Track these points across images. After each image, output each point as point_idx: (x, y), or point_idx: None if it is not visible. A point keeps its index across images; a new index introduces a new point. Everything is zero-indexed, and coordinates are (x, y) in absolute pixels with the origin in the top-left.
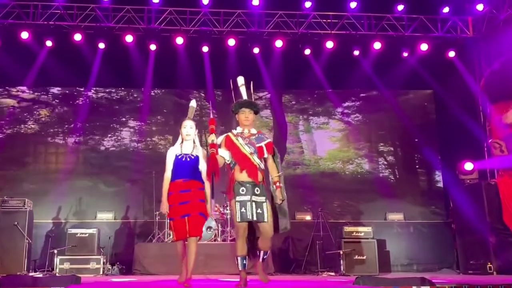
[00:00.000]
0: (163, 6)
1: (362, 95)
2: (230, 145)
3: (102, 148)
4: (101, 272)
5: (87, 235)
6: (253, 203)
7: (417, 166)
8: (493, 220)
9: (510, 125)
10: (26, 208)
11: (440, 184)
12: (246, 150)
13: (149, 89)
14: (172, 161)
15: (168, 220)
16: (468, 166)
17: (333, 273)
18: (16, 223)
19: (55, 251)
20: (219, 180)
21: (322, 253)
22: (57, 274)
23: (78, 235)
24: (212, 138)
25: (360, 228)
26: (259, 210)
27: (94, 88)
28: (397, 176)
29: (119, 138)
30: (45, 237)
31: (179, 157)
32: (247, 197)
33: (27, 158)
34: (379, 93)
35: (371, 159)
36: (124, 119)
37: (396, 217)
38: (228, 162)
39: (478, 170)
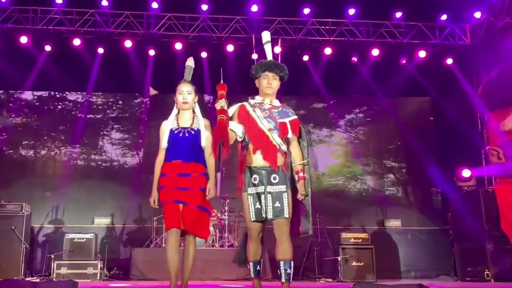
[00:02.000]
0: (162, 12)
1: (358, 101)
2: (245, 118)
3: (100, 152)
4: (98, 277)
5: (84, 240)
6: (269, 196)
7: (414, 173)
8: (490, 227)
9: (507, 132)
10: (23, 213)
11: (438, 191)
12: (265, 124)
13: (148, 94)
14: (166, 138)
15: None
16: (466, 173)
17: (331, 280)
18: (13, 227)
19: (52, 256)
20: (227, 155)
21: (320, 259)
22: (54, 279)
23: (75, 240)
24: (221, 104)
25: (358, 235)
26: (277, 204)
27: (93, 93)
28: (395, 183)
29: (117, 142)
30: (43, 242)
31: (176, 132)
32: (261, 189)
33: (24, 162)
34: (376, 100)
35: (367, 165)
36: (122, 123)
37: (393, 223)
38: (241, 139)
39: (475, 177)
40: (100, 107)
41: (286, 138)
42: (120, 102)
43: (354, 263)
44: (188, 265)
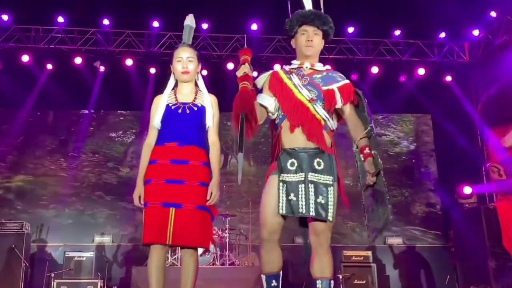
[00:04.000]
0: (163, 31)
1: None
2: (278, 87)
3: (102, 170)
4: None
5: (84, 258)
6: (310, 186)
7: (415, 190)
8: (492, 245)
9: (508, 148)
10: (23, 231)
11: (439, 208)
12: (304, 94)
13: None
14: (160, 115)
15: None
16: (467, 190)
17: None
18: (13, 246)
19: (52, 275)
20: (253, 135)
21: None
22: None
23: (75, 258)
24: (244, 69)
25: (360, 252)
26: (320, 199)
27: (94, 110)
28: (395, 200)
29: (118, 160)
30: (42, 261)
31: (173, 107)
32: (300, 176)
33: (24, 180)
34: (375, 117)
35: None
36: (122, 140)
37: (395, 241)
38: (273, 116)
39: (476, 194)
40: (101, 125)
41: (334, 110)
42: (120, 119)
43: (355, 281)
44: (188, 286)
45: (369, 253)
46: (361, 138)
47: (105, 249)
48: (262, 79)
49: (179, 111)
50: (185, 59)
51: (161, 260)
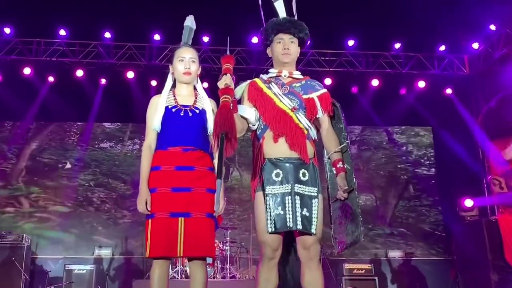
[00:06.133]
0: (164, 44)
1: (358, 131)
2: (258, 97)
3: (102, 183)
4: None
5: (84, 271)
6: (297, 198)
7: (416, 203)
8: (494, 258)
9: (509, 161)
10: (23, 244)
11: (441, 221)
12: (286, 103)
13: None
14: (160, 117)
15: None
16: (468, 202)
17: None
18: (13, 258)
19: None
20: (232, 152)
21: None
22: None
23: (75, 271)
24: (225, 80)
25: (361, 265)
26: (305, 212)
27: (95, 123)
28: (396, 213)
29: (118, 173)
30: (42, 273)
31: (174, 110)
32: (286, 187)
33: (24, 191)
34: (376, 130)
35: (369, 195)
36: (125, 153)
37: (396, 254)
38: (254, 127)
39: (478, 207)
40: (102, 137)
41: (314, 119)
42: (122, 132)
43: None
44: None
45: (371, 266)
46: (335, 152)
47: (105, 262)
48: (240, 90)
49: (181, 113)
50: (187, 59)
51: (165, 273)
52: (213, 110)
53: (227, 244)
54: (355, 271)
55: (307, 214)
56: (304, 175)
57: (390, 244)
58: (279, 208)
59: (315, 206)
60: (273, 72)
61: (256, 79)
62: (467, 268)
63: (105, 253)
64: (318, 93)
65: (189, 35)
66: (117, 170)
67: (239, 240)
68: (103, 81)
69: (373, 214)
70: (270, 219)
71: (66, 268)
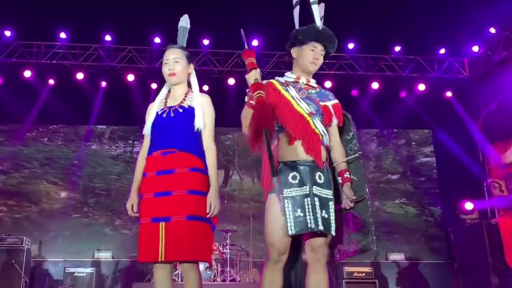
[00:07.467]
0: (164, 46)
1: (358, 134)
2: (275, 98)
3: (102, 185)
4: None
5: (84, 274)
6: (316, 199)
7: (417, 206)
8: (495, 260)
9: (509, 164)
10: (24, 246)
11: (441, 224)
12: (303, 107)
13: None
14: (150, 122)
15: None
16: (468, 205)
17: None
18: (13, 261)
19: None
20: (275, 151)
21: None
22: None
23: (75, 274)
24: (255, 75)
25: (361, 268)
26: (324, 213)
27: (95, 125)
28: (397, 216)
29: (118, 176)
30: (42, 276)
31: (160, 113)
32: (305, 189)
33: (25, 194)
34: (377, 132)
35: (371, 198)
36: (124, 155)
37: (397, 257)
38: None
39: (478, 210)
40: (102, 140)
41: (328, 127)
42: (122, 135)
43: None
44: None
45: (371, 269)
46: (342, 162)
47: (105, 265)
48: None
49: (164, 115)
50: (171, 61)
51: (165, 277)
52: (204, 105)
53: (227, 247)
54: (355, 274)
55: (326, 216)
56: (320, 177)
57: (391, 247)
58: (299, 210)
59: (331, 208)
60: (291, 77)
61: (273, 80)
62: (468, 271)
63: (105, 256)
64: (332, 102)
65: (183, 37)
66: (117, 173)
67: (239, 243)
68: (104, 84)
69: (373, 217)
70: (290, 221)
71: (66, 271)
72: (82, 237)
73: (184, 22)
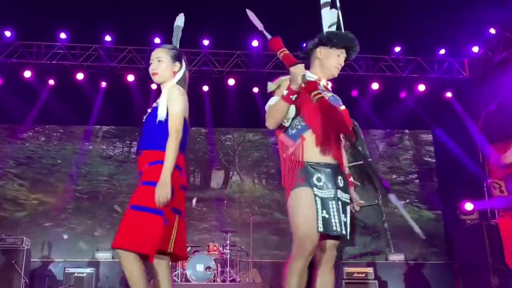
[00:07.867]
0: None
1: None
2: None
3: (102, 185)
4: None
5: (84, 274)
6: (339, 203)
7: (417, 206)
8: (495, 261)
9: (509, 165)
10: (23, 247)
11: (441, 225)
12: None
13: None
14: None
15: None
16: (468, 206)
17: None
18: (13, 262)
19: None
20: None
21: None
22: None
23: (75, 274)
24: (303, 71)
25: (361, 269)
26: (344, 218)
27: (95, 125)
28: (397, 217)
29: (118, 176)
30: (42, 277)
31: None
32: (330, 192)
33: (24, 195)
34: (377, 133)
35: None
36: (125, 156)
37: (397, 257)
38: (286, 125)
39: (478, 210)
40: (102, 140)
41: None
42: (123, 135)
43: None
44: None
45: (371, 269)
46: (347, 166)
47: (105, 265)
48: (278, 84)
49: (143, 119)
50: (155, 61)
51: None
52: (168, 95)
53: (227, 247)
54: (355, 274)
55: (345, 220)
56: (341, 181)
57: (390, 247)
58: (324, 211)
59: (349, 212)
60: (312, 76)
61: None
62: (468, 272)
63: (105, 256)
64: (342, 107)
65: (177, 36)
66: (117, 173)
67: (239, 243)
68: (104, 84)
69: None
70: (319, 219)
71: (66, 271)
72: (82, 238)
73: (179, 21)
